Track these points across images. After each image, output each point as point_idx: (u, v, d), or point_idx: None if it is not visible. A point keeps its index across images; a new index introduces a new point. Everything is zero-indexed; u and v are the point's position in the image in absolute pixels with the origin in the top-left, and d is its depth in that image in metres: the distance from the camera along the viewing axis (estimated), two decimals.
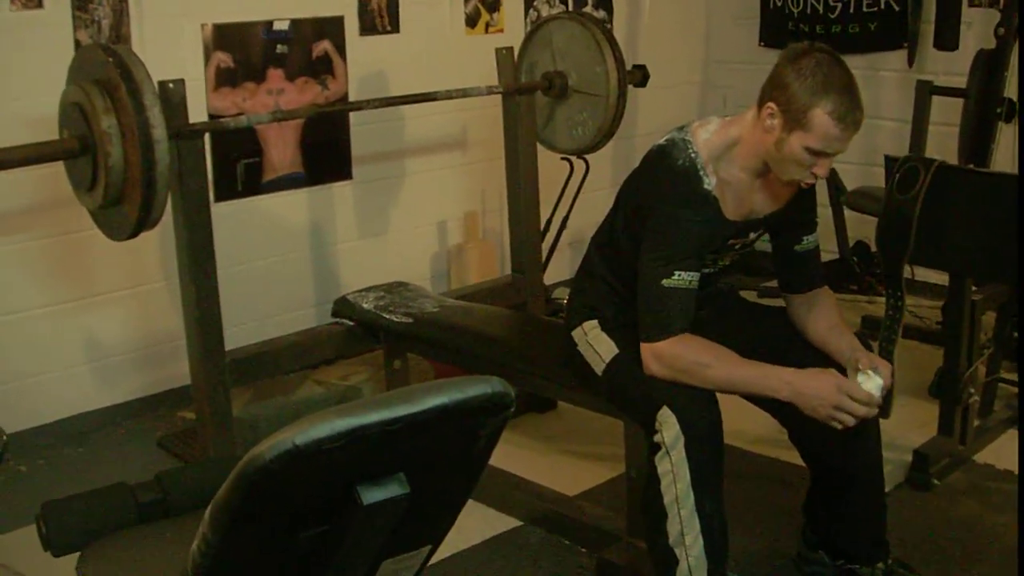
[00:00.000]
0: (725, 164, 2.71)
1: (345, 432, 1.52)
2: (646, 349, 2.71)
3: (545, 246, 4.80)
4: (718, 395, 2.72)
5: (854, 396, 2.62)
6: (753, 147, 2.69)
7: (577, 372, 3.01)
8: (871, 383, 2.67)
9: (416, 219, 5.05)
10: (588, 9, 5.47)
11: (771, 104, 2.61)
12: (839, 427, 2.64)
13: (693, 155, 2.68)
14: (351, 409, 1.56)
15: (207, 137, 3.72)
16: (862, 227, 5.15)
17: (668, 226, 2.68)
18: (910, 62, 5.36)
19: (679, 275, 2.66)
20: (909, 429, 3.88)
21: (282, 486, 1.54)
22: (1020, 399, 3.85)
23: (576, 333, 2.98)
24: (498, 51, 4.34)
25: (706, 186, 2.67)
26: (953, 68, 4.99)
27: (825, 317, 2.91)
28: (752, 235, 2.89)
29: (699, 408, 2.67)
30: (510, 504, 3.47)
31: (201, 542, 1.61)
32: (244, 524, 1.58)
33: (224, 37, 4.26)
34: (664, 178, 2.72)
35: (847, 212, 5.12)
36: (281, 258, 4.62)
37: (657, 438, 2.67)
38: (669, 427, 2.65)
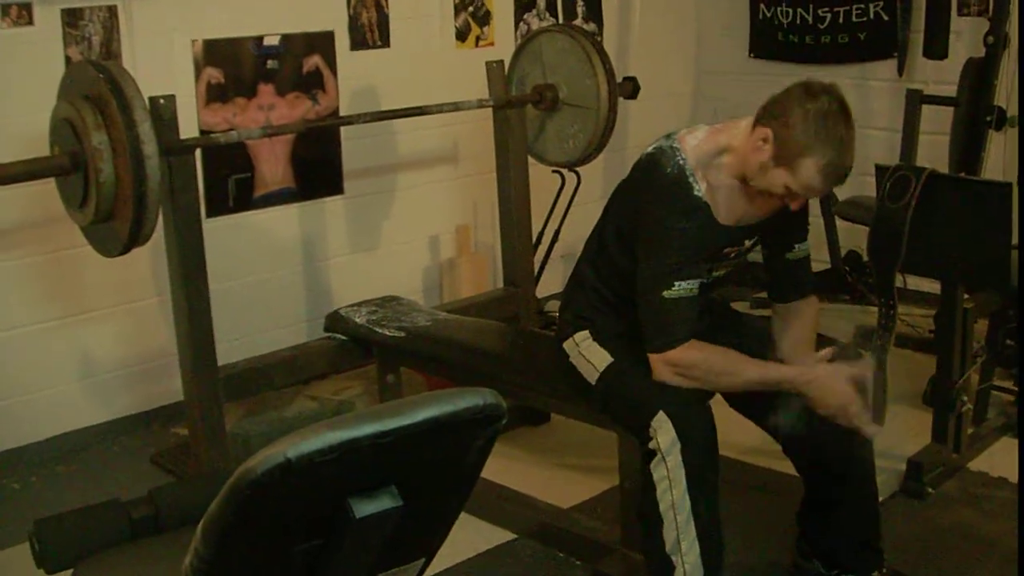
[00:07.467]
0: (714, 171, 2.72)
1: (337, 445, 1.52)
2: (656, 359, 2.72)
3: (537, 259, 4.80)
4: (711, 403, 2.73)
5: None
6: (743, 157, 2.70)
7: (570, 383, 3.01)
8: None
9: (408, 233, 5.05)
10: (578, 22, 5.47)
11: (767, 131, 2.61)
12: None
13: (681, 162, 2.69)
14: (343, 422, 1.55)
15: (198, 153, 3.73)
16: (854, 237, 5.16)
17: (662, 236, 2.69)
18: (900, 71, 5.38)
19: (679, 285, 2.67)
20: (903, 438, 3.88)
21: (274, 500, 1.54)
22: (1019, 407, 3.85)
23: (568, 344, 2.98)
24: (488, 65, 4.34)
25: (696, 192, 2.68)
26: (943, 77, 5.01)
27: (797, 332, 2.94)
28: (747, 242, 2.89)
29: (694, 413, 2.69)
30: (504, 517, 3.47)
31: (194, 557, 1.60)
32: (236, 538, 1.58)
33: (215, 53, 4.26)
34: (654, 187, 2.72)
35: (838, 222, 5.13)
36: (273, 273, 4.61)
37: (652, 444, 2.69)
38: (665, 433, 2.66)
